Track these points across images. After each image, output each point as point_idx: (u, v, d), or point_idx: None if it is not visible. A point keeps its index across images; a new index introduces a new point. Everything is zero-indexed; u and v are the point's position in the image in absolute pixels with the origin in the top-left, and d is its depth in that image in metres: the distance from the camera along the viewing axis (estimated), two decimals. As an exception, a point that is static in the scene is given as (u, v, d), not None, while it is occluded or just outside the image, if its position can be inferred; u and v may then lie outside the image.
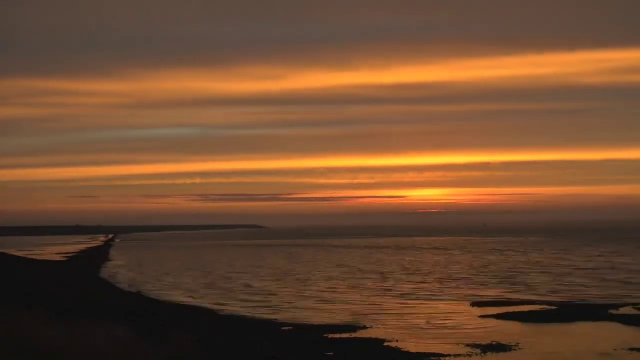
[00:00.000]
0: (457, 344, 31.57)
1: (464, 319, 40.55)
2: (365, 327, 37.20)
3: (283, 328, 37.16)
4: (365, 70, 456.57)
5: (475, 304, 46.84)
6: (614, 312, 41.53)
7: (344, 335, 34.20)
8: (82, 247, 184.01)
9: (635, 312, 41.68)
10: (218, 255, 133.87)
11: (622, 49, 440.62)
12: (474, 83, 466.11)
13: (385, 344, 31.80)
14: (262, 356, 24.92)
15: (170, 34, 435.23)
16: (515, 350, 30.08)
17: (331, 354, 28.72)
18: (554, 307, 44.14)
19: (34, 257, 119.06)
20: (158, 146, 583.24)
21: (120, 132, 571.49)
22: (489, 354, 29.32)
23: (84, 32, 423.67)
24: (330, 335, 34.13)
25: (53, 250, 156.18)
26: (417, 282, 65.07)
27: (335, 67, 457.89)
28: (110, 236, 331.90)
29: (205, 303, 50.75)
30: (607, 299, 48.28)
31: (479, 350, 29.87)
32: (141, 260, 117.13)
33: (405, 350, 30.27)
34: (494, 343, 31.58)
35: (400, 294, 54.80)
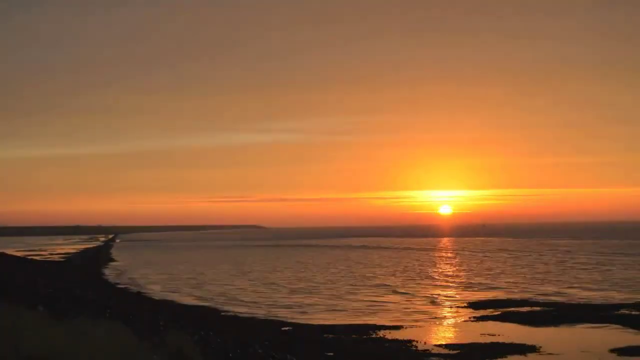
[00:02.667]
0: (456, 344, 31.62)
1: (462, 319, 40.57)
2: (365, 327, 37.22)
3: (283, 328, 37.20)
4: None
5: (473, 305, 46.86)
6: (614, 312, 41.50)
7: (344, 335, 34.23)
8: (82, 247, 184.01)
9: (635, 312, 41.62)
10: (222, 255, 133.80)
11: None
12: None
13: (386, 344, 31.85)
14: (261, 356, 24.92)
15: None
16: (514, 351, 30.10)
17: (331, 354, 28.75)
18: (553, 308, 44.12)
19: (34, 257, 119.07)
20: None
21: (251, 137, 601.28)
22: (487, 355, 29.34)
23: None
24: (330, 335, 34.18)
25: (53, 250, 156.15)
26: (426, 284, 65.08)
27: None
28: (110, 236, 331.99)
29: (206, 303, 50.83)
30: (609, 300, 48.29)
31: (478, 352, 29.90)
32: (141, 260, 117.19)
33: (405, 350, 30.29)
34: (493, 344, 31.64)
35: (403, 295, 54.85)
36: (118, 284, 68.32)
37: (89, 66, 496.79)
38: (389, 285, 63.33)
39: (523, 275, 71.69)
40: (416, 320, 40.23)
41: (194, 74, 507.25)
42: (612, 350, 29.92)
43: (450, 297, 53.14)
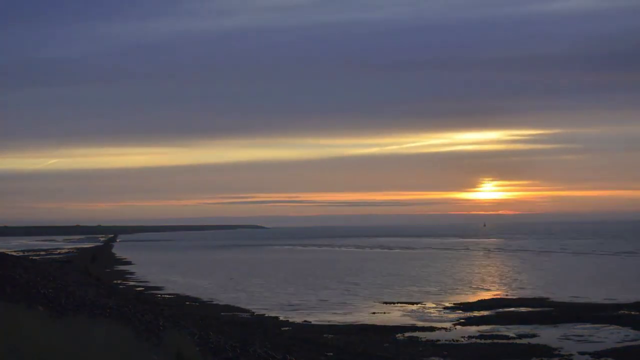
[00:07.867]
0: (456, 345, 31.69)
1: (462, 319, 40.62)
2: (365, 328, 37.29)
3: (283, 328, 37.25)
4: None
5: (473, 305, 46.91)
6: (613, 313, 41.52)
7: (344, 336, 34.28)
8: (82, 246, 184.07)
9: (634, 312, 41.63)
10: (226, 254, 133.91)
11: None
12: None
13: (386, 344, 31.91)
14: (261, 356, 24.96)
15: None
16: (513, 352, 30.15)
17: (331, 354, 28.80)
18: (552, 308, 44.16)
19: (34, 256, 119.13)
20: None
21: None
22: (487, 355, 29.40)
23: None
24: (330, 335, 34.24)
25: (53, 250, 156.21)
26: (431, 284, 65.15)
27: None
28: (111, 236, 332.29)
29: (206, 303, 50.88)
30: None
31: (477, 352, 29.97)
32: (142, 260, 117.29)
33: (405, 350, 30.35)
34: (493, 344, 31.71)
35: (405, 296, 54.94)
36: (118, 284, 68.37)
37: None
38: (389, 285, 63.41)
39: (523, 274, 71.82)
40: (416, 321, 40.26)
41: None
42: (611, 351, 29.95)
43: (450, 297, 53.17)
